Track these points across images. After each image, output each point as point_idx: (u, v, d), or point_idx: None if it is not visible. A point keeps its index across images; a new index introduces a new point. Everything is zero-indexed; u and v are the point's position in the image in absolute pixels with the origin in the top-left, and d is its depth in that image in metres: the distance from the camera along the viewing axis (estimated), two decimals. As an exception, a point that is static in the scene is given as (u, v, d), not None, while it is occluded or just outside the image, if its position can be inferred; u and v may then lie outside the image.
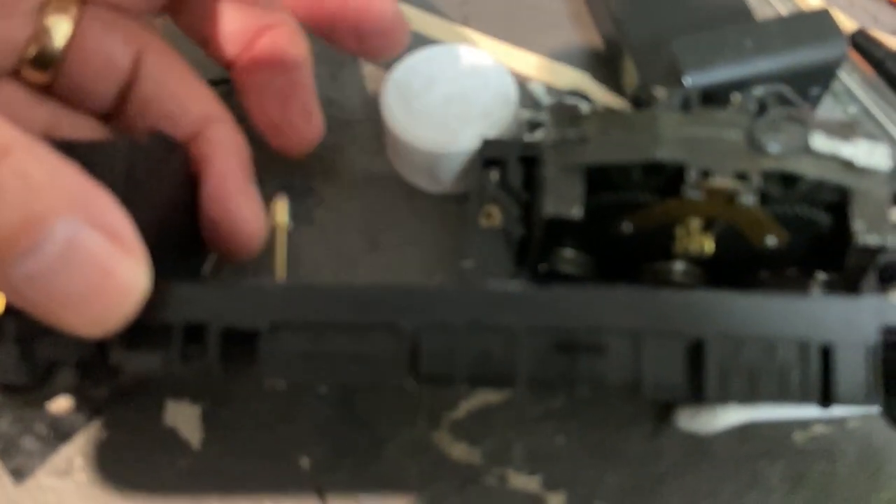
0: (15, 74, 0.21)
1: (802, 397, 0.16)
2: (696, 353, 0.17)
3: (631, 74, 0.28)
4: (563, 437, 0.23)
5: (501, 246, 0.24)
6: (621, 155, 0.20)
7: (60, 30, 0.21)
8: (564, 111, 0.21)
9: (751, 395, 0.17)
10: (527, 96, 0.29)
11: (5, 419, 0.23)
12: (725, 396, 0.17)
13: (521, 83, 0.29)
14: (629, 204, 0.20)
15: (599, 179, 0.20)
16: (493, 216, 0.24)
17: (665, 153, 0.19)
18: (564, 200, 0.20)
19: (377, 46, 0.24)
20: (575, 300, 0.17)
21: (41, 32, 0.21)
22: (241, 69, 0.25)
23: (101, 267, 0.15)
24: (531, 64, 0.30)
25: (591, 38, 0.31)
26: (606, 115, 0.20)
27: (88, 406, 0.23)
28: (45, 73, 0.21)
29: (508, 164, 0.24)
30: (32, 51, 0.21)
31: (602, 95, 0.29)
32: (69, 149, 0.17)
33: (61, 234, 0.15)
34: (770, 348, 0.17)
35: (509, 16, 0.31)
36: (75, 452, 0.23)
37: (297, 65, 0.24)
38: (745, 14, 0.27)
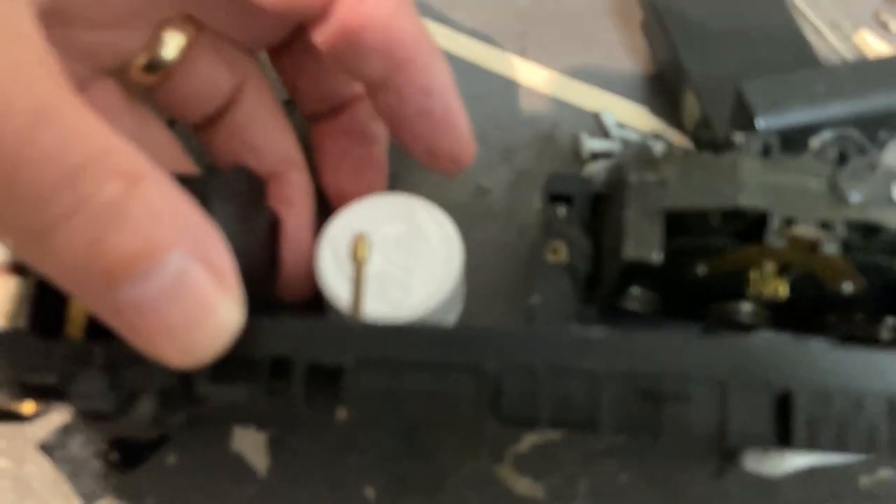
0: (119, 75, 0.23)
1: (892, 452, 0.16)
2: (783, 403, 0.17)
3: (692, 110, 0.28)
4: (626, 475, 0.23)
5: (568, 282, 0.24)
6: (703, 200, 0.20)
7: (174, 43, 0.23)
8: (644, 153, 0.21)
9: (840, 448, 0.17)
10: (585, 125, 0.29)
11: (75, 442, 0.24)
12: (814, 448, 0.17)
13: (592, 114, 0.29)
14: (707, 248, 0.21)
15: (677, 223, 0.20)
16: (560, 252, 0.24)
17: (748, 200, 0.19)
18: (644, 244, 0.20)
19: (443, 163, 0.23)
20: (658, 346, 0.17)
21: (156, 42, 0.22)
22: (322, 131, 0.26)
23: (204, 302, 0.16)
24: (588, 96, 0.30)
25: (648, 70, 0.31)
26: (686, 159, 0.21)
27: (160, 432, 0.23)
28: (151, 77, 0.23)
29: (575, 200, 0.24)
30: (144, 58, 0.22)
31: (662, 131, 0.29)
32: (183, 181, 0.17)
33: (174, 265, 0.15)
34: (858, 402, 0.17)
35: (566, 47, 0.32)
36: (144, 477, 0.23)
37: (376, 140, 0.25)
38: (811, 55, 0.27)
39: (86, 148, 0.15)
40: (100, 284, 0.15)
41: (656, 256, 0.20)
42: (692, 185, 0.20)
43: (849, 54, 0.31)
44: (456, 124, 0.23)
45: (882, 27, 0.32)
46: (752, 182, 0.20)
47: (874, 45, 0.31)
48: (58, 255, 0.15)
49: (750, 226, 0.20)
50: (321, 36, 0.22)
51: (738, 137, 0.21)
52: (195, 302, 0.16)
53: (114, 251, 0.15)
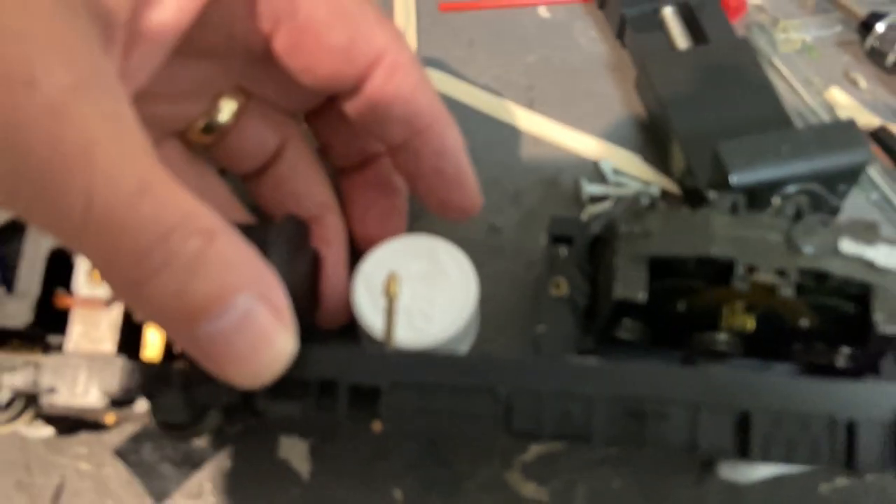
0: (180, 136, 0.26)
1: (831, 464, 0.20)
2: (743, 422, 0.20)
3: (678, 158, 0.32)
4: (619, 480, 0.27)
5: (568, 313, 0.27)
6: (681, 249, 0.23)
7: (228, 109, 0.26)
8: (632, 208, 0.25)
9: (788, 459, 0.20)
10: (585, 171, 0.33)
11: (146, 448, 0.27)
12: (767, 459, 0.20)
13: (592, 161, 0.33)
14: (684, 288, 0.24)
15: (660, 267, 0.24)
16: (562, 287, 0.28)
17: (717, 250, 0.23)
18: (631, 285, 0.23)
19: (453, 214, 0.27)
20: (642, 374, 0.21)
21: (213, 109, 0.26)
22: (351, 183, 0.29)
23: (266, 335, 0.18)
24: (588, 145, 0.34)
25: (642, 122, 0.34)
26: (668, 213, 0.24)
27: (220, 440, 0.27)
28: (209, 137, 0.26)
29: (575, 241, 0.28)
30: (203, 122, 0.26)
31: (652, 177, 0.33)
32: (245, 230, 0.20)
33: (241, 305, 0.18)
34: (805, 422, 0.20)
35: (569, 100, 0.35)
36: (205, 478, 0.27)
37: (398, 192, 0.29)
38: (782, 113, 0.31)
39: (175, 213, 0.17)
40: (183, 322, 0.18)
41: (642, 296, 0.23)
42: (672, 235, 0.24)
43: (820, 109, 0.34)
44: (465, 181, 0.26)
45: (852, 84, 0.35)
46: (721, 234, 0.23)
47: (843, 101, 0.34)
48: (151, 300, 0.17)
49: (720, 271, 0.23)
50: (352, 107, 0.25)
51: (712, 195, 0.24)
52: (258, 335, 0.18)
53: (195, 296, 0.17)
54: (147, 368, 0.23)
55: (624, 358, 0.27)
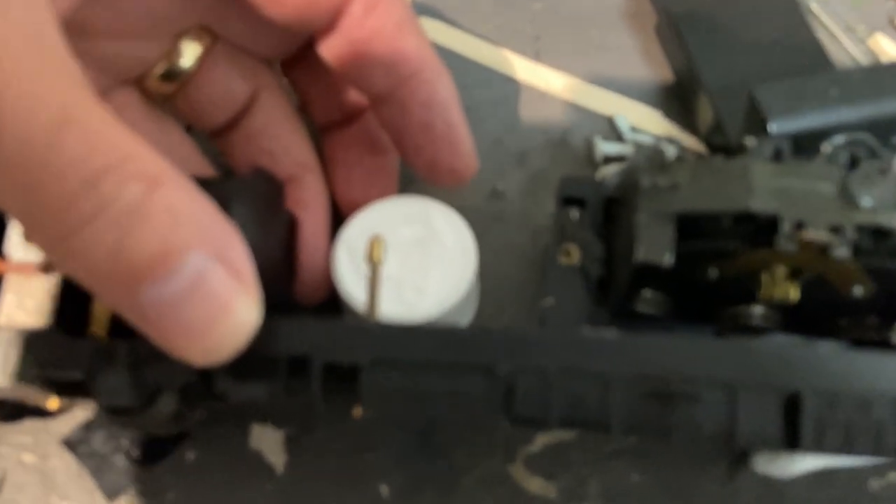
0: (137, 84, 0.23)
1: (900, 455, 0.17)
2: (791, 406, 0.17)
3: (705, 114, 0.28)
4: (637, 475, 0.24)
5: (580, 285, 0.24)
6: (714, 204, 0.20)
7: (191, 52, 0.23)
8: (656, 157, 0.21)
9: (847, 450, 0.17)
10: (599, 129, 0.29)
11: (98, 437, 0.24)
12: (821, 450, 0.17)
13: (606, 117, 0.30)
14: (717, 251, 0.21)
15: (689, 227, 0.20)
16: (572, 254, 0.25)
17: (759, 204, 0.20)
18: (656, 247, 0.20)
19: (443, 177, 0.24)
20: (669, 348, 0.18)
21: (174, 52, 0.23)
22: (334, 141, 0.26)
23: (222, 301, 0.16)
24: (602, 99, 0.31)
25: (662, 74, 0.31)
26: (697, 163, 0.21)
27: (180, 428, 0.24)
28: (169, 85, 0.23)
29: (588, 203, 0.25)
30: (162, 67, 0.23)
31: (675, 134, 0.30)
32: (204, 184, 0.17)
33: (193, 265, 0.15)
34: (866, 404, 0.17)
35: (580, 51, 0.32)
36: (165, 472, 0.24)
37: (387, 149, 0.26)
38: (824, 60, 0.27)
39: (108, 152, 0.15)
40: (122, 286, 0.15)
41: (668, 259, 0.20)
42: (704, 188, 0.20)
43: (863, 58, 0.31)
44: (457, 139, 0.23)
45: (897, 30, 0.32)
46: (763, 186, 0.20)
47: (889, 49, 0.31)
48: (81, 257, 0.15)
49: (761, 229, 0.20)
50: (329, 49, 0.22)
51: (750, 141, 0.21)
52: (214, 301, 0.16)
53: (135, 253, 0.15)
54: (88, 344, 0.20)
55: (645, 333, 0.24)
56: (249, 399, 0.19)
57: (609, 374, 0.18)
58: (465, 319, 0.26)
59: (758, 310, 0.22)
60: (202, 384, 0.20)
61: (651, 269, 0.20)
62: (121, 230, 0.15)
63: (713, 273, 0.21)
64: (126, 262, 0.15)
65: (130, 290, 0.15)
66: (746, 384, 0.17)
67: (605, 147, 0.29)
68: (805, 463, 0.23)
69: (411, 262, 0.24)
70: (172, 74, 0.23)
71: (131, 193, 0.15)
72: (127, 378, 0.19)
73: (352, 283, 0.23)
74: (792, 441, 0.17)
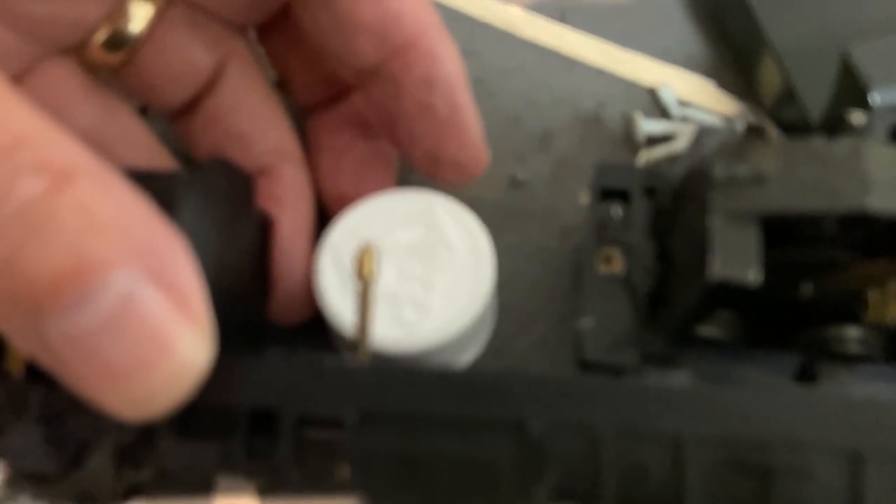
0: (77, 55, 0.20)
1: None
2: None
3: (771, 82, 0.25)
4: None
5: (624, 299, 0.20)
6: (815, 202, 0.16)
7: (140, 14, 0.20)
8: (730, 140, 0.16)
9: None
10: (638, 103, 0.25)
11: (24, 498, 0.20)
12: None
13: (647, 89, 0.26)
14: (816, 263, 0.17)
15: (778, 231, 0.16)
16: (614, 261, 0.21)
17: (878, 201, 0.15)
18: (736, 260, 0.16)
19: (447, 173, 0.21)
20: (765, 401, 0.14)
21: (118, 14, 0.20)
22: (319, 124, 0.23)
23: (159, 336, 0.13)
24: (642, 68, 0.27)
25: (715, 36, 0.28)
26: (789, 147, 0.16)
27: (125, 490, 0.20)
28: (115, 55, 0.20)
29: (633, 196, 0.21)
30: (106, 32, 0.20)
31: (732, 108, 0.25)
32: (143, 179, 0.14)
33: (117, 288, 0.13)
34: None
35: (614, 11, 0.28)
36: (111, 535, 0.20)
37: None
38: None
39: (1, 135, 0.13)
40: (20, 314, 0.13)
41: (754, 276, 0.16)
42: (800, 181, 0.16)
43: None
44: (464, 125, 0.20)
45: None
46: (882, 178, 0.16)
47: None
48: None
49: (877, 235, 0.16)
50: (303, 9, 0.20)
51: (858, 118, 0.17)
52: (147, 335, 0.13)
53: (36, 270, 0.12)
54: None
55: (703, 364, 0.20)
56: (198, 463, 0.16)
57: (682, 436, 0.14)
58: (478, 344, 0.22)
59: (854, 332, 0.18)
60: (143, 441, 0.16)
61: (729, 287, 0.16)
62: (13, 240, 0.12)
63: (806, 290, 0.17)
64: (23, 281, 0.12)
65: (31, 320, 0.13)
66: (877, 452, 0.13)
67: (648, 125, 0.25)
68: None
69: (412, 273, 0.20)
70: (118, 41, 0.20)
71: (30, 190, 0.12)
72: (41, 435, 0.16)
73: (338, 300, 0.20)
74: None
